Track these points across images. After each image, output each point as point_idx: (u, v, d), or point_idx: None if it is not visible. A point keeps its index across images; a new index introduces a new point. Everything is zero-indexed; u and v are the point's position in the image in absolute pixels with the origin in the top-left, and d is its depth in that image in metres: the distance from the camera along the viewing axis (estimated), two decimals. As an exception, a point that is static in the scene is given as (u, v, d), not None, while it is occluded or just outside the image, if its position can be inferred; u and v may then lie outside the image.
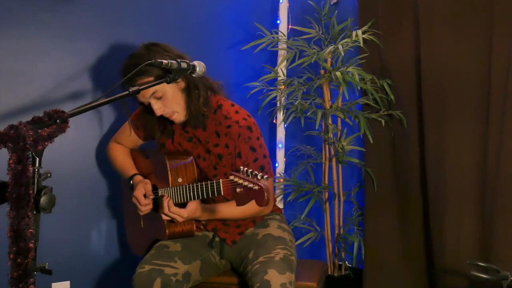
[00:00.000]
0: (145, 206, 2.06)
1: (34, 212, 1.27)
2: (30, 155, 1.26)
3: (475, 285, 2.20)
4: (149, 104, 1.98)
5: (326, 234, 2.82)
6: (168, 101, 1.96)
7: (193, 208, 1.91)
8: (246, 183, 1.52)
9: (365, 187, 2.80)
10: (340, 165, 2.79)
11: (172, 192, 1.94)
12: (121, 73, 1.95)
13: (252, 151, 2.01)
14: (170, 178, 1.97)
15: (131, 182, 2.16)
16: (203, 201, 1.97)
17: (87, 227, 2.56)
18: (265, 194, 1.46)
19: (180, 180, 1.97)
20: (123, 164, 2.28)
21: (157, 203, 2.05)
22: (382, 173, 2.74)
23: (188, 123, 2.06)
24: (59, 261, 2.37)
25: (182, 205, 1.92)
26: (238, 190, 1.54)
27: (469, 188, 2.30)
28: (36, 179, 1.30)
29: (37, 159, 1.30)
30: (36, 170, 1.30)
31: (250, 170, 1.53)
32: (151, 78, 1.88)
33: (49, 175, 1.34)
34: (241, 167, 1.56)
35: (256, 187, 1.48)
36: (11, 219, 1.21)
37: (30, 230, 1.22)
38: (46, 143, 1.27)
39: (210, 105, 2.04)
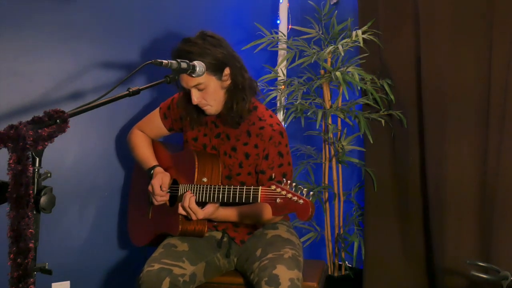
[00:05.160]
0: (160, 197, 2.07)
1: (34, 212, 1.26)
2: (30, 155, 1.26)
3: (475, 285, 2.20)
4: (190, 90, 2.00)
5: (326, 234, 2.82)
6: (208, 94, 1.99)
7: (209, 211, 1.95)
8: (289, 195, 1.61)
9: (365, 187, 2.80)
10: (340, 165, 2.79)
11: (195, 190, 1.95)
12: (172, 55, 1.96)
13: (279, 156, 2.05)
14: (196, 175, 1.98)
15: (152, 172, 2.15)
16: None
17: (87, 227, 2.55)
18: (310, 209, 1.56)
19: (205, 179, 1.98)
20: (145, 153, 2.26)
21: (175, 198, 2.05)
22: (382, 173, 2.74)
23: (223, 120, 2.08)
24: (59, 261, 2.37)
25: (201, 204, 1.94)
26: (278, 200, 1.63)
27: (469, 188, 2.30)
28: (36, 179, 1.30)
29: (37, 159, 1.30)
30: (36, 170, 1.30)
31: (294, 183, 1.63)
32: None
33: (49, 175, 1.34)
34: (284, 179, 1.66)
35: (301, 201, 1.58)
36: (11, 219, 1.21)
37: (30, 230, 1.22)
38: (46, 143, 1.27)
39: (249, 107, 2.07)
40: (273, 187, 1.67)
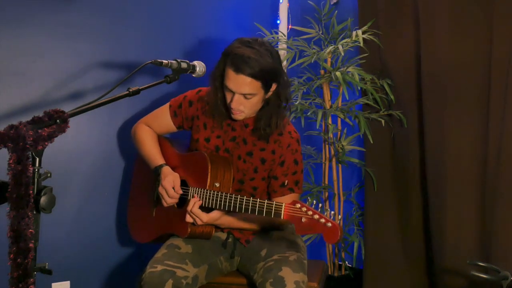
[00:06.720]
0: (171, 199, 2.02)
1: (34, 212, 1.27)
2: (30, 155, 1.26)
3: (475, 285, 2.20)
4: (222, 89, 1.96)
5: (326, 234, 2.81)
6: (249, 103, 1.94)
7: (215, 216, 1.93)
8: (316, 216, 1.59)
9: (365, 187, 2.80)
10: (340, 165, 2.79)
11: (210, 196, 1.91)
12: (228, 53, 1.92)
13: (295, 163, 2.05)
14: (208, 180, 1.95)
15: (159, 171, 2.09)
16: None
17: (87, 227, 2.55)
18: (339, 233, 1.55)
19: (217, 184, 1.95)
20: (152, 150, 2.19)
21: (183, 199, 2.02)
22: (382, 173, 2.74)
23: (255, 133, 2.04)
24: (59, 261, 2.37)
25: (210, 210, 1.92)
26: (304, 220, 1.62)
27: (469, 188, 2.30)
28: (36, 179, 1.30)
29: (37, 159, 1.30)
30: (36, 170, 1.30)
31: (321, 204, 1.62)
32: (259, 83, 1.89)
33: (49, 175, 1.34)
34: (308, 198, 1.65)
35: (329, 224, 1.57)
36: (11, 219, 1.21)
37: (30, 230, 1.22)
38: (46, 143, 1.27)
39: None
40: (298, 205, 1.64)
